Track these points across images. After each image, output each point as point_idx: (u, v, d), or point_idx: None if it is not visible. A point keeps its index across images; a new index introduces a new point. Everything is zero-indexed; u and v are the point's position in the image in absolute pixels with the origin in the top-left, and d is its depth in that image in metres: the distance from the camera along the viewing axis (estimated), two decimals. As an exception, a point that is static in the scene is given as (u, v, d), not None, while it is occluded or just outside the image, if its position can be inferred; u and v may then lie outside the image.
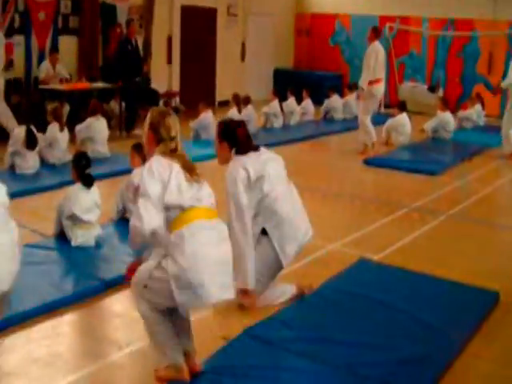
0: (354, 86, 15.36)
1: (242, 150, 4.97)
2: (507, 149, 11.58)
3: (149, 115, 3.93)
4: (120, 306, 5.13)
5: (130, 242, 3.80)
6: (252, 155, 4.99)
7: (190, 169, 3.80)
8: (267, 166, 4.99)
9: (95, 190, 6.32)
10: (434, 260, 6.30)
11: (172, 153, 3.81)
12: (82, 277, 5.33)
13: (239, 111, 12.34)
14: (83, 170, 6.26)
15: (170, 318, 3.82)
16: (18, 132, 8.94)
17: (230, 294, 3.78)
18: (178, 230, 3.65)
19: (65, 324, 4.69)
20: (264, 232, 4.95)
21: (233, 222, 4.82)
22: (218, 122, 5.20)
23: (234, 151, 4.98)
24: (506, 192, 9.81)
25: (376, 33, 11.20)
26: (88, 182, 6.25)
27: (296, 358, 4.21)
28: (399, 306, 5.04)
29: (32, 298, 4.84)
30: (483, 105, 15.43)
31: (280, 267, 5.02)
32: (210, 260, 3.65)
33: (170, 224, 3.69)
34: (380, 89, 11.21)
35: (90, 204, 6.19)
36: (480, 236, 7.25)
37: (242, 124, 5.14)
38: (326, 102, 15.54)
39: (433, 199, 8.72)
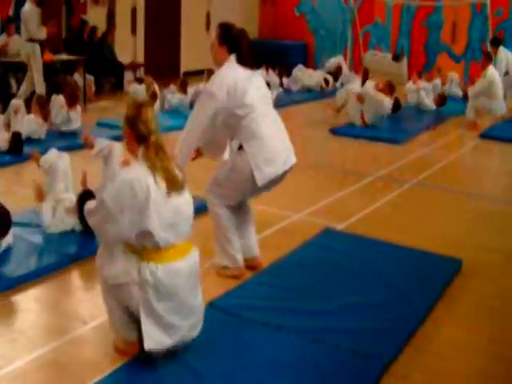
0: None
1: (242, 59, 4.92)
2: (470, 118, 11.67)
3: (126, 109, 3.75)
4: (83, 280, 5.11)
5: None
6: (246, 70, 4.92)
7: (172, 180, 3.66)
8: (256, 84, 4.94)
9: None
10: (398, 228, 6.35)
11: (155, 156, 3.63)
12: (44, 251, 5.26)
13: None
14: None
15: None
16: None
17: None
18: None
19: (28, 300, 4.64)
20: (242, 148, 4.83)
21: (191, 117, 4.91)
22: (221, 23, 5.06)
23: (232, 57, 4.89)
24: (469, 160, 9.91)
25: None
26: None
27: (262, 328, 4.22)
28: (364, 274, 5.09)
29: (-6, 273, 4.79)
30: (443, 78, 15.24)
31: (255, 187, 4.86)
32: None
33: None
34: None
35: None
36: (444, 204, 7.32)
37: (246, 34, 5.03)
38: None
39: (397, 167, 8.78)
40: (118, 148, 6.52)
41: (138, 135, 3.66)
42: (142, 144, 3.66)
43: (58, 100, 9.54)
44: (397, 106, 11.49)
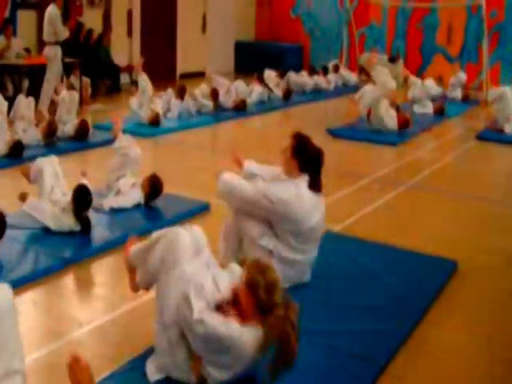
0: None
1: (312, 184, 4.59)
2: (489, 100, 11.60)
3: (244, 270, 3.26)
4: (79, 283, 5.09)
5: None
6: (314, 196, 4.61)
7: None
8: (319, 217, 4.65)
9: None
10: (395, 230, 6.35)
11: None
12: (40, 254, 5.23)
13: (215, 106, 11.98)
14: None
15: None
16: None
17: None
18: None
19: (24, 303, 4.62)
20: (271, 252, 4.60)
21: (243, 187, 4.63)
22: (296, 134, 4.73)
23: (304, 177, 4.59)
24: (465, 161, 9.89)
25: None
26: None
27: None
28: (361, 276, 5.08)
29: (-10, 276, 4.77)
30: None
31: None
32: None
33: None
34: None
35: None
36: (441, 206, 7.32)
37: (323, 156, 4.67)
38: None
39: (394, 169, 8.79)
40: (138, 153, 6.59)
41: (257, 304, 3.17)
42: (262, 316, 3.16)
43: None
44: (405, 124, 11.14)
